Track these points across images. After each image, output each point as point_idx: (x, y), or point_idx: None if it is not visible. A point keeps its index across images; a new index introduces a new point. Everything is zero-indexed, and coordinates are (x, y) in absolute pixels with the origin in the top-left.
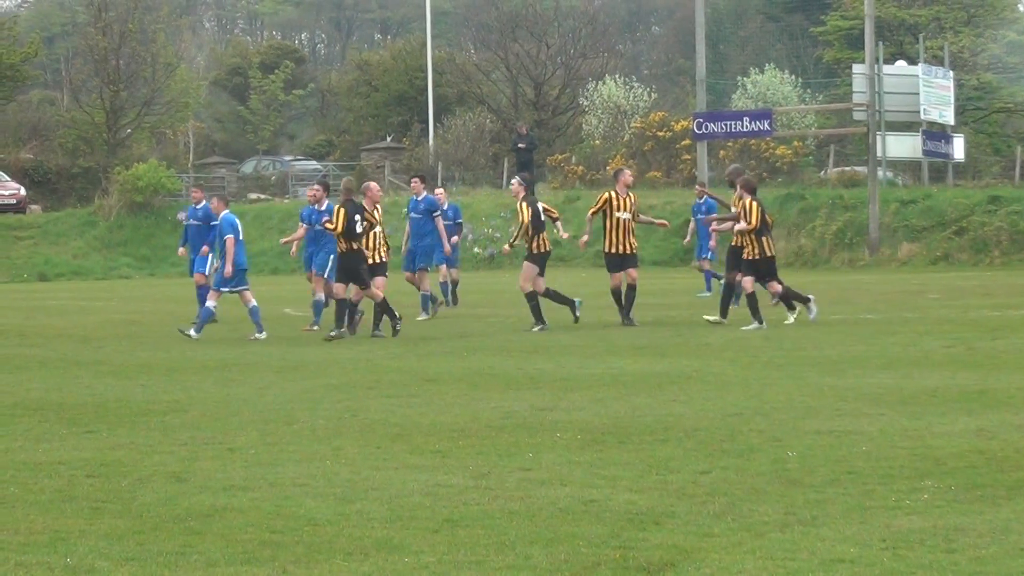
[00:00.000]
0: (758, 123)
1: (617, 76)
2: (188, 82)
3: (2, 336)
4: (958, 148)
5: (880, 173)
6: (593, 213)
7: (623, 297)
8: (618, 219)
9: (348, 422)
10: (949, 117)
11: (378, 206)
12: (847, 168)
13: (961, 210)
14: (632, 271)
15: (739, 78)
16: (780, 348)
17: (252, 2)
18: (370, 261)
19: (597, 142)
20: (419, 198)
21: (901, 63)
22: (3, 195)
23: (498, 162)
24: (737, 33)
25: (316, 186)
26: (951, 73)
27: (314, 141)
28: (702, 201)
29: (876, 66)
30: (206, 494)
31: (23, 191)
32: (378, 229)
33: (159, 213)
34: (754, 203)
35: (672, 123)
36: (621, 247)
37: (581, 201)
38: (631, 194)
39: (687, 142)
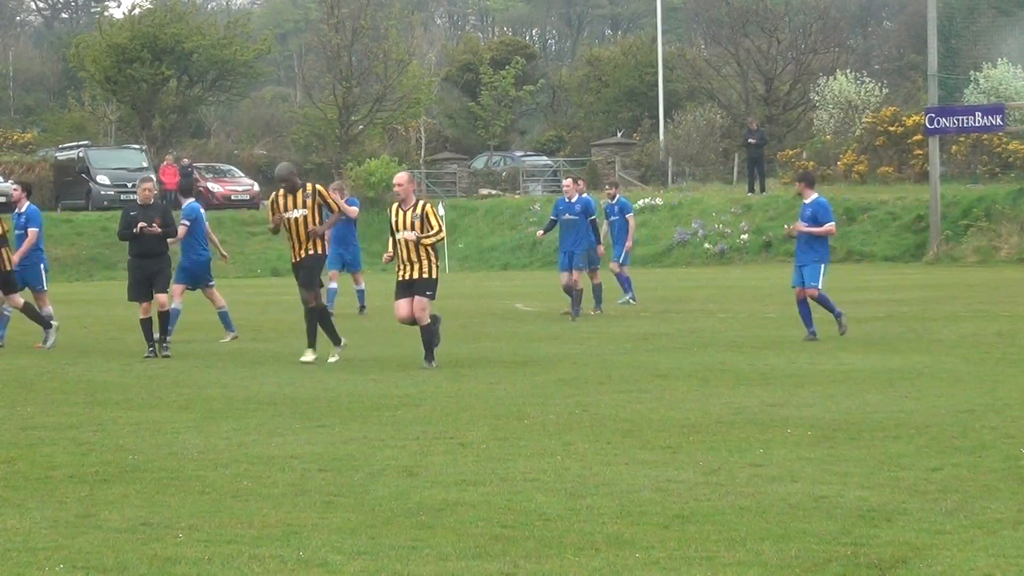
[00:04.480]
0: (990, 118)
1: (848, 71)
2: (419, 78)
3: (239, 331)
4: None
5: None
6: None
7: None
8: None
9: (579, 417)
10: None
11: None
12: None
13: None
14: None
15: (971, 72)
16: (1013, 344)
17: None
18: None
19: (828, 137)
20: (571, 200)
21: None
22: (237, 191)
23: (728, 158)
24: (969, 27)
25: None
26: None
27: (544, 137)
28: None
29: None
30: (437, 488)
31: (256, 187)
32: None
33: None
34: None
35: (904, 118)
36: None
37: None
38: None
39: (919, 137)
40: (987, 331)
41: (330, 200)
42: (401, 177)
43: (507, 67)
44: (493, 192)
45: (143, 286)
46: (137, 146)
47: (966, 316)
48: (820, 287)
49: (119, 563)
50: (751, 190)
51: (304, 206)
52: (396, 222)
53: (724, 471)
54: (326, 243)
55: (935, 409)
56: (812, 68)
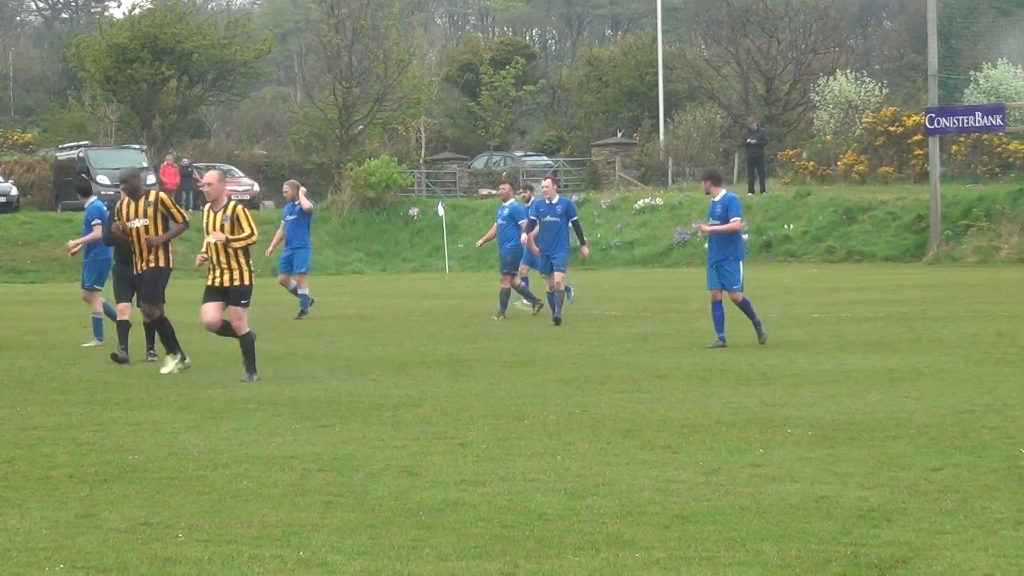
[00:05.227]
0: (990, 118)
1: (848, 71)
2: (420, 78)
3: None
4: None
5: None
6: None
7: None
8: None
9: (579, 417)
10: None
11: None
12: None
13: None
14: None
15: (971, 73)
16: (1013, 344)
17: None
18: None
19: (828, 137)
20: (552, 201)
21: None
22: (237, 191)
23: (728, 158)
24: (969, 27)
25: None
26: None
27: (544, 137)
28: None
29: None
30: (438, 488)
31: (256, 187)
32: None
33: (391, 209)
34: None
35: (904, 118)
36: None
37: (812, 197)
38: None
39: (919, 137)
40: (987, 331)
41: (173, 210)
42: (210, 176)
43: (507, 67)
44: (493, 192)
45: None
46: (137, 146)
47: (966, 316)
48: (742, 290)
49: (119, 563)
50: (751, 190)
51: (145, 215)
52: (206, 224)
53: (724, 471)
54: (169, 255)
55: (935, 409)
56: (812, 68)
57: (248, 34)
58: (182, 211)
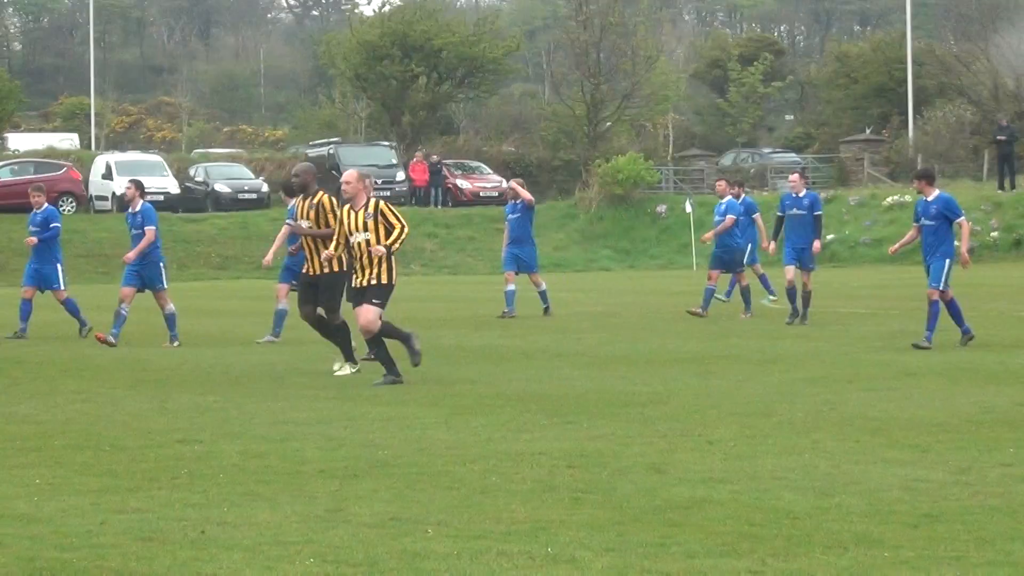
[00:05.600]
0: None
1: None
2: (668, 75)
3: (485, 328)
4: None
5: None
6: None
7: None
8: None
9: (826, 415)
10: None
11: None
12: None
13: None
14: None
15: None
16: None
17: None
18: None
19: None
20: (799, 194)
21: None
22: (486, 187)
23: (978, 154)
24: None
25: None
26: None
27: (792, 133)
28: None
29: None
30: (685, 486)
31: (505, 184)
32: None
33: (638, 205)
34: None
35: None
36: None
37: None
38: None
39: None
40: None
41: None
42: (349, 175)
43: (755, 63)
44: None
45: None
46: (387, 143)
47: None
48: (941, 287)
49: (368, 557)
50: (1001, 187)
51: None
52: (348, 224)
53: (974, 470)
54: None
55: None
56: None
57: (496, 31)
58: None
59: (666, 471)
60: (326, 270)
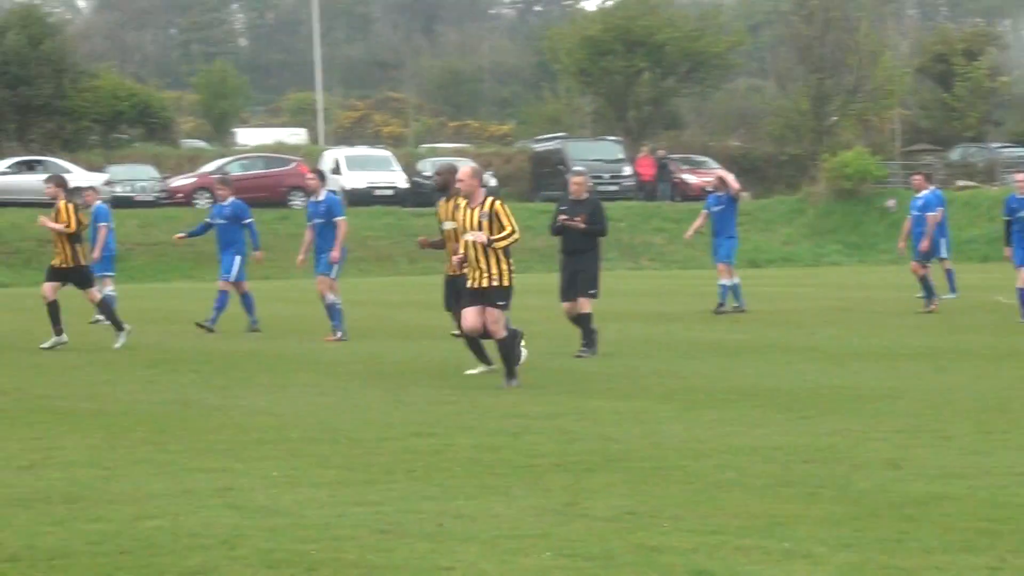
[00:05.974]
0: None
1: None
2: (892, 69)
3: (715, 321)
4: None
5: None
6: None
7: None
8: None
9: None
10: None
11: None
12: None
13: None
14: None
15: None
16: None
17: None
18: None
19: None
20: None
21: None
22: (712, 182)
23: None
24: None
25: None
26: None
27: (1021, 128)
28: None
29: None
30: (921, 481)
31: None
32: None
33: (867, 200)
34: None
35: None
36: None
37: None
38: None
39: None
40: None
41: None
42: (464, 172)
43: (980, 58)
44: (970, 184)
45: (568, 288)
46: (613, 138)
47: None
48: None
49: (605, 552)
50: None
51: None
52: (462, 221)
53: None
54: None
55: None
56: None
57: (720, 26)
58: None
59: (902, 467)
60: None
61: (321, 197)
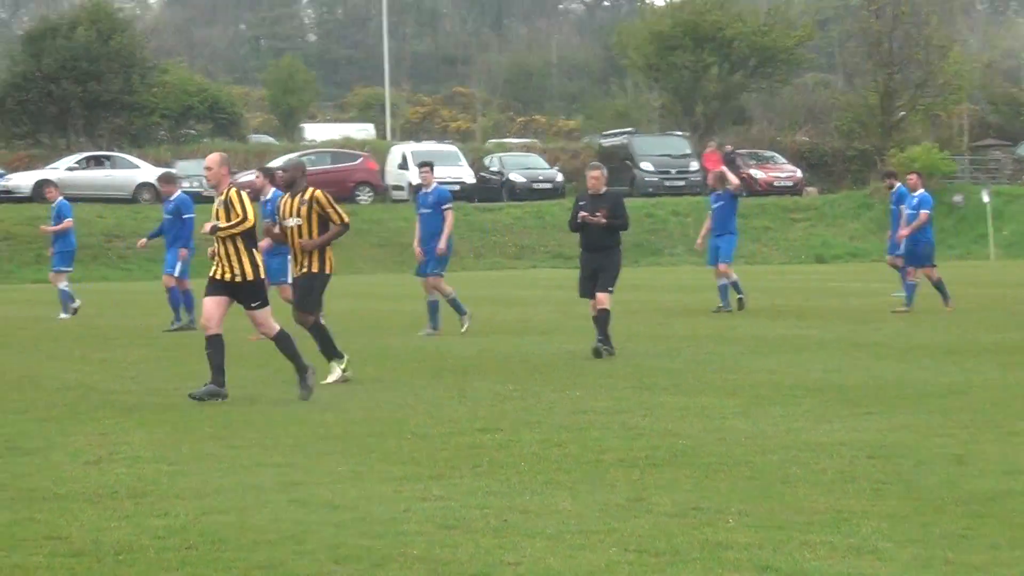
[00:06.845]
0: None
1: None
2: (961, 64)
3: (781, 316)
4: None
5: None
6: None
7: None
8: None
9: None
10: None
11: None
12: None
13: None
14: None
15: None
16: None
17: None
18: None
19: None
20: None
21: None
22: (779, 177)
23: None
24: None
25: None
26: None
27: None
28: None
29: None
30: (988, 477)
31: (799, 173)
32: None
33: (935, 195)
34: None
35: None
36: None
37: None
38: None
39: None
40: None
41: (330, 210)
42: (212, 159)
43: None
44: None
45: (588, 283)
46: (680, 133)
47: None
48: None
49: (671, 547)
50: None
51: (299, 214)
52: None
53: None
54: (326, 260)
55: None
56: None
57: (788, 21)
58: (340, 211)
59: (968, 462)
60: (305, 270)
61: (431, 187)
